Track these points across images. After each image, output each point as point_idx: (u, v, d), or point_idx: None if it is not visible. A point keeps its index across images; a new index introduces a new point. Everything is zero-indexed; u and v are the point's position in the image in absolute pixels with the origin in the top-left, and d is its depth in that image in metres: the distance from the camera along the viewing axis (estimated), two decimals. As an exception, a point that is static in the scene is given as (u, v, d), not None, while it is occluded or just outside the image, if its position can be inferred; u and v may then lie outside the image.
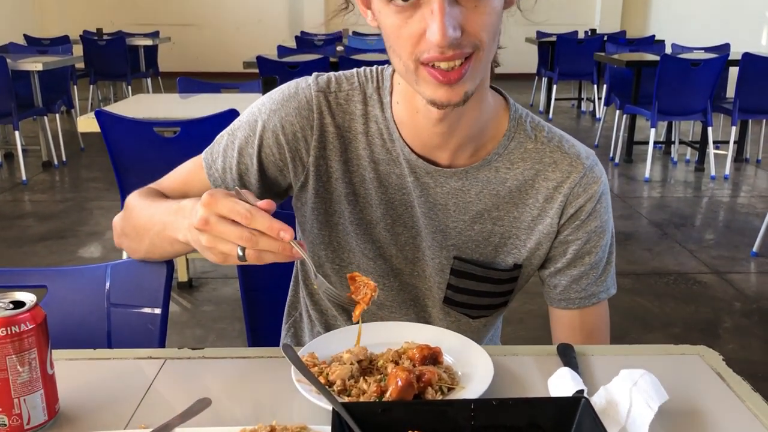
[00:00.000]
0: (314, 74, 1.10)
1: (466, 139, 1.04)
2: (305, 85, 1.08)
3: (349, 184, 1.09)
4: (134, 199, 1.10)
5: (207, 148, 1.13)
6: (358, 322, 0.94)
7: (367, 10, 0.97)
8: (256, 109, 1.09)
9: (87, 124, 2.95)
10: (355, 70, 1.10)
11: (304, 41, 7.50)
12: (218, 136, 1.12)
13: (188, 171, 1.14)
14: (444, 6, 0.85)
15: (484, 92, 1.02)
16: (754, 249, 3.95)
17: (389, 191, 1.08)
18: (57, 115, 6.06)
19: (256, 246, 0.84)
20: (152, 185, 1.15)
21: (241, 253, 0.84)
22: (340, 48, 6.43)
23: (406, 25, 0.89)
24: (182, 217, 0.93)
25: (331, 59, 5.22)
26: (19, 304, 0.79)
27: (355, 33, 7.89)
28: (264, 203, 0.85)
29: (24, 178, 5.39)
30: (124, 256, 1.22)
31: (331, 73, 1.10)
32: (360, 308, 0.90)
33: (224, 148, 1.10)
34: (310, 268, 0.88)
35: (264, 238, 0.83)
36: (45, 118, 5.70)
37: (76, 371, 0.95)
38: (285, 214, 1.25)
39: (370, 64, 1.13)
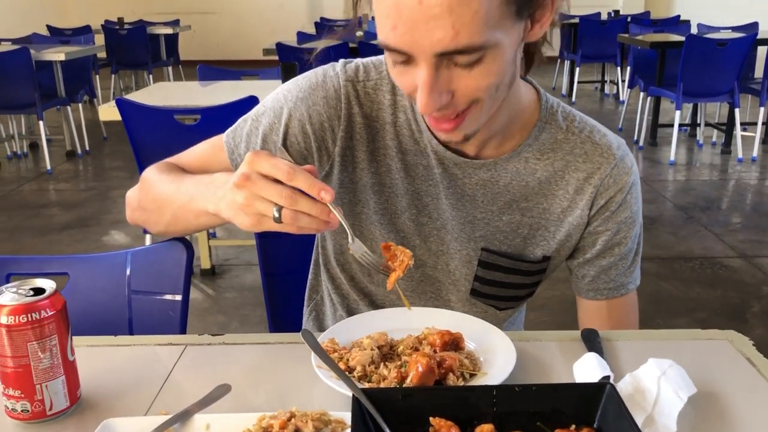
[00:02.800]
0: (341, 61, 1.07)
1: (492, 133, 1.02)
2: (333, 73, 1.05)
3: (375, 174, 1.07)
4: (152, 173, 1.08)
5: (229, 131, 1.10)
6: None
7: None
8: (281, 96, 1.06)
9: (108, 112, 2.96)
10: (382, 56, 1.06)
11: (324, 27, 7.47)
12: (241, 120, 1.10)
13: (207, 152, 1.11)
14: (431, 78, 0.82)
15: (512, 92, 0.97)
16: (783, 232, 3.88)
17: (416, 181, 1.06)
18: (80, 105, 6.11)
19: (295, 206, 0.81)
20: (170, 160, 1.13)
21: (277, 214, 0.81)
22: (359, 33, 6.40)
23: (402, 75, 0.87)
24: (215, 188, 0.91)
25: (351, 45, 5.19)
26: (39, 291, 0.80)
27: (374, 18, 7.84)
28: (307, 166, 0.83)
29: (48, 167, 5.45)
30: (147, 242, 1.22)
31: (359, 61, 1.07)
32: (395, 275, 0.88)
33: (248, 134, 1.08)
34: (348, 231, 0.85)
35: (303, 199, 0.81)
36: (68, 107, 5.76)
37: (98, 358, 0.95)
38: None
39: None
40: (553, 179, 1.06)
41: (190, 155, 1.14)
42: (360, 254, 0.88)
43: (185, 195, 0.99)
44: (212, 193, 0.91)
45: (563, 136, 1.05)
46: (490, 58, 0.83)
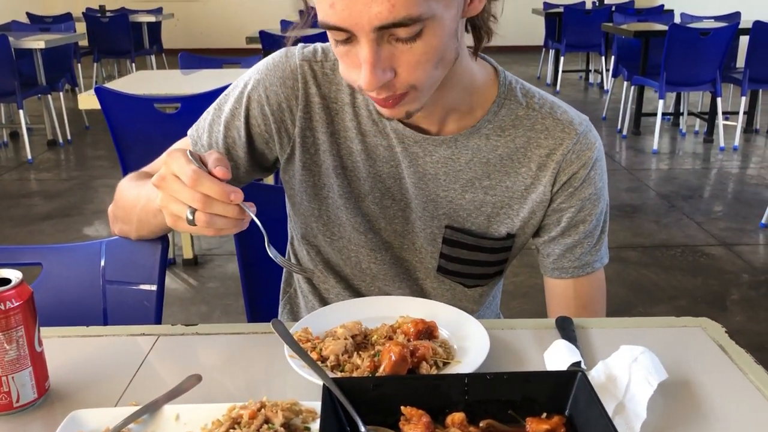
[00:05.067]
0: (300, 44, 1.07)
1: (449, 107, 1.01)
2: (290, 54, 1.05)
3: (337, 157, 1.06)
4: (123, 182, 1.11)
5: (193, 125, 1.11)
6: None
7: None
8: (241, 82, 1.07)
9: (88, 101, 2.93)
10: None
11: (308, 16, 7.42)
12: (204, 113, 1.10)
13: None
14: (372, 54, 0.82)
15: (457, 73, 0.97)
16: (763, 221, 3.91)
17: (377, 164, 1.06)
18: (61, 94, 6.04)
19: (209, 209, 0.81)
20: (144, 169, 1.14)
21: (190, 217, 0.82)
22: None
23: (345, 55, 0.87)
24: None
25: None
26: (4, 282, 0.78)
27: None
28: (217, 171, 0.83)
29: (29, 156, 5.39)
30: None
31: (318, 44, 1.07)
32: None
33: (210, 124, 1.08)
34: (263, 234, 0.86)
35: (217, 202, 0.81)
36: (49, 96, 5.69)
37: (68, 348, 0.94)
38: (277, 188, 1.23)
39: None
40: (515, 156, 1.05)
41: (160, 160, 1.13)
42: (278, 260, 0.88)
43: (144, 197, 1.01)
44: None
45: (524, 112, 1.04)
46: (430, 31, 0.83)
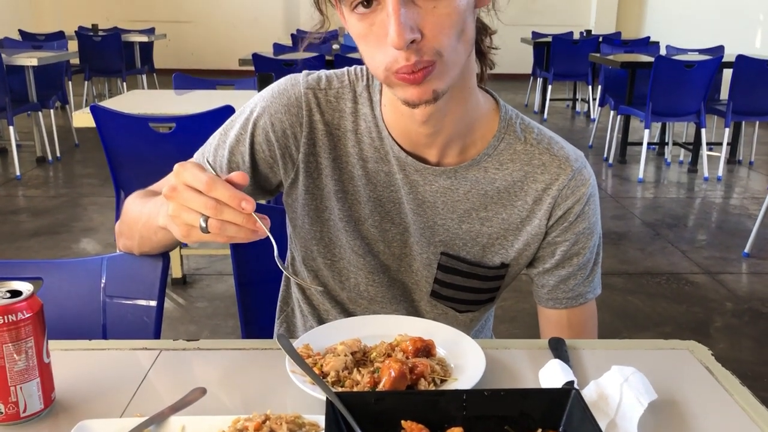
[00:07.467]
0: (304, 72, 1.10)
1: (452, 136, 1.04)
2: (294, 82, 1.09)
3: (338, 181, 1.09)
4: (128, 199, 1.13)
5: (200, 149, 1.14)
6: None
7: (343, 17, 0.96)
8: (247, 109, 1.10)
9: (82, 119, 2.95)
10: (345, 68, 1.11)
11: (300, 39, 7.50)
12: (211, 137, 1.13)
13: None
14: (398, 6, 0.83)
15: (467, 91, 1.02)
16: (746, 250, 3.98)
17: (377, 188, 1.09)
18: (51, 111, 6.04)
19: (220, 215, 0.82)
20: (150, 187, 1.17)
21: (204, 224, 0.83)
22: (336, 46, 6.44)
23: (371, 32, 0.89)
24: (161, 203, 0.94)
25: (327, 57, 5.22)
26: (16, 294, 0.80)
27: (350, 31, 7.88)
28: (236, 175, 0.84)
29: (18, 173, 5.38)
30: (118, 251, 1.23)
31: (322, 71, 1.11)
32: None
33: (215, 148, 1.11)
34: (273, 245, 0.86)
35: (228, 208, 0.82)
36: (39, 113, 5.69)
37: (72, 361, 0.96)
38: (278, 209, 1.26)
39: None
40: (512, 189, 1.08)
41: (166, 179, 1.15)
42: (288, 272, 0.91)
43: (146, 214, 1.04)
44: (161, 209, 0.94)
45: (522, 147, 1.08)
46: None
